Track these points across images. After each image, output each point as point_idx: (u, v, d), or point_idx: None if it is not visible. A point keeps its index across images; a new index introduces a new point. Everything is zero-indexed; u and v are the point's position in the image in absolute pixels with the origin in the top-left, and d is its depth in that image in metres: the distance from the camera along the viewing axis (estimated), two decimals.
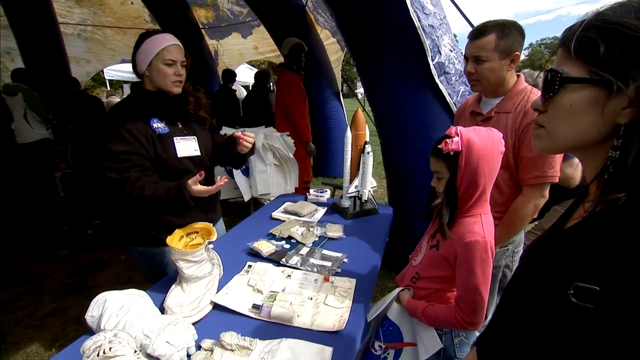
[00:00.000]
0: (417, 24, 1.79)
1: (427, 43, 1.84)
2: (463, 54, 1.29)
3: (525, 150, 1.20)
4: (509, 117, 1.23)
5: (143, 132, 1.23)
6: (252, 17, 5.28)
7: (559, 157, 1.20)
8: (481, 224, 0.95)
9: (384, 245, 1.61)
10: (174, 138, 1.31)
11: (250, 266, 1.31)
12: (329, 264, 1.36)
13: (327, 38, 5.04)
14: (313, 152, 3.09)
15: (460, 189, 0.94)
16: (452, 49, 1.99)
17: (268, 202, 2.25)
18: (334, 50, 5.19)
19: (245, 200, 2.54)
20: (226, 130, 2.54)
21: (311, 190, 2.17)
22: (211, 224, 1.22)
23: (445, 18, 1.99)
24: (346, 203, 1.91)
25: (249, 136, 1.39)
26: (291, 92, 2.88)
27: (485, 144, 0.90)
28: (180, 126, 1.37)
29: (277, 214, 1.85)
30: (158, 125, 1.28)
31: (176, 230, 1.15)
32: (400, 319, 1.12)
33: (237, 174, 2.41)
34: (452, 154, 0.90)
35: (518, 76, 1.27)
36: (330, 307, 1.10)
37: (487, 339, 0.64)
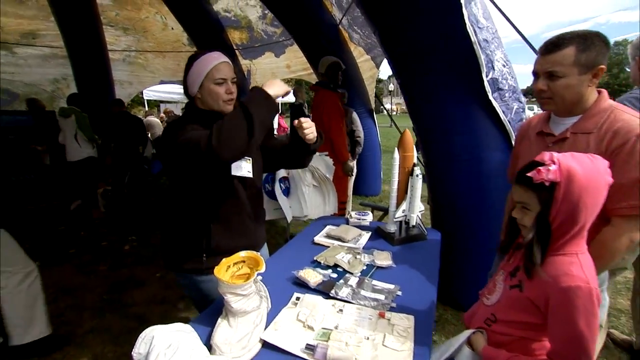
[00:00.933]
0: (473, 38, 1.70)
1: (482, 58, 1.73)
2: (532, 69, 1.17)
3: (616, 176, 1.04)
4: (591, 138, 1.08)
5: None
6: (286, 36, 5.41)
7: None
8: (580, 265, 0.81)
9: (438, 275, 1.47)
10: None
11: (298, 298, 1.22)
12: (381, 297, 1.24)
13: (361, 55, 5.03)
14: (351, 172, 3.01)
15: (554, 224, 0.81)
16: (505, 64, 1.86)
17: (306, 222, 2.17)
18: (368, 67, 5.17)
19: (289, 220, 2.48)
20: None
21: (352, 213, 2.08)
22: (258, 253, 1.15)
23: (497, 32, 1.88)
24: (392, 228, 1.80)
25: (304, 122, 1.33)
26: (328, 111, 2.84)
27: (589, 174, 0.77)
28: None
29: (319, 239, 1.77)
30: None
31: (223, 260, 1.09)
32: None
33: (279, 194, 2.37)
34: (547, 184, 0.78)
35: (599, 92, 1.13)
36: (390, 349, 0.98)
37: None
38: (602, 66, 1.06)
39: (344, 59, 3.79)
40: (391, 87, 37.44)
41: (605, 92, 1.13)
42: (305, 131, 1.33)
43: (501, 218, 1.63)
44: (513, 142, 1.96)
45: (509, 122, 1.87)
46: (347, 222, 2.03)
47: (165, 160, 1.30)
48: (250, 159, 1.35)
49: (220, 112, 1.28)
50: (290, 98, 7.41)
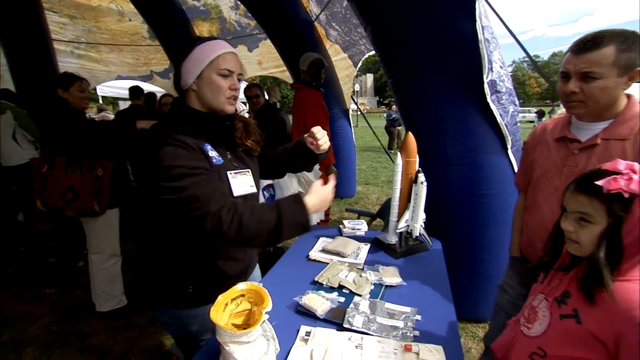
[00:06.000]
0: (480, 37, 1.61)
1: (485, 58, 1.65)
2: (560, 69, 1.08)
3: None
4: (627, 145, 1.01)
5: (206, 156, 0.99)
6: (260, 29, 5.13)
7: None
8: None
9: (450, 290, 1.36)
10: (228, 172, 1.06)
11: (308, 333, 1.03)
12: (400, 323, 1.10)
13: (337, 53, 4.90)
14: (335, 176, 2.85)
15: (624, 242, 0.71)
16: (502, 66, 1.81)
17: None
18: (345, 65, 5.04)
19: None
20: None
21: (345, 222, 1.92)
22: (260, 284, 0.95)
23: (494, 32, 1.81)
24: (393, 239, 1.66)
25: (317, 132, 1.20)
26: (312, 110, 2.66)
27: None
28: (229, 157, 1.12)
29: (315, 254, 1.59)
30: (212, 154, 1.03)
31: (219, 298, 0.88)
32: None
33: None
34: (627, 196, 0.68)
35: (628, 96, 1.07)
36: None
37: None
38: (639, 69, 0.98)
39: None
40: (357, 87, 38.02)
41: (634, 96, 1.07)
42: (320, 142, 1.19)
43: (504, 226, 1.56)
44: (508, 146, 1.92)
45: (506, 125, 1.82)
46: (340, 233, 1.87)
47: (145, 185, 1.01)
48: (250, 170, 1.14)
49: (216, 113, 1.07)
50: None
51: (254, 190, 1.14)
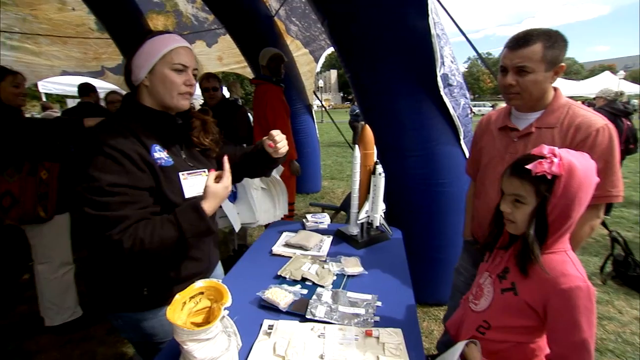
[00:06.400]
0: (433, 31, 1.68)
1: (438, 52, 1.73)
2: (499, 63, 1.16)
3: None
4: (555, 133, 1.12)
5: (146, 162, 0.93)
6: (219, 24, 4.94)
7: (620, 174, 1.10)
8: (573, 264, 0.80)
9: (410, 276, 1.42)
10: (180, 173, 1.02)
11: (271, 327, 1.04)
12: (362, 310, 1.13)
13: (298, 49, 4.88)
14: (298, 171, 2.86)
15: (549, 219, 0.78)
16: (453, 61, 1.91)
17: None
18: (306, 61, 5.03)
19: (237, 229, 2.22)
20: None
21: (308, 216, 1.94)
22: (219, 281, 0.94)
23: (444, 28, 1.90)
24: (354, 230, 1.70)
25: (276, 135, 1.19)
26: (272, 106, 2.64)
27: (586, 170, 0.76)
28: (183, 157, 1.08)
29: (278, 249, 1.59)
30: (161, 155, 0.98)
31: (176, 297, 0.86)
32: None
33: (225, 201, 2.08)
34: (549, 177, 0.75)
35: (555, 89, 1.18)
36: None
37: None
38: (563, 64, 1.09)
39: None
40: (321, 83, 38.08)
41: (560, 89, 1.18)
42: (279, 145, 1.19)
43: (459, 213, 1.66)
44: (461, 137, 2.03)
45: (458, 117, 1.92)
46: (303, 227, 1.89)
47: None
48: (207, 170, 1.11)
49: (170, 110, 1.03)
50: (225, 93, 6.92)
51: None
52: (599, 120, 1.07)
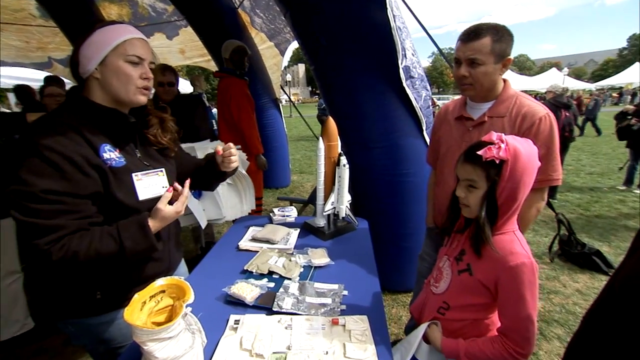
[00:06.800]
0: (392, 23, 1.71)
1: (399, 44, 1.76)
2: (453, 56, 1.21)
3: None
4: (505, 121, 1.19)
5: (92, 164, 0.86)
6: (179, 16, 4.69)
7: (559, 159, 1.19)
8: (519, 243, 0.86)
9: (375, 264, 1.46)
10: (133, 174, 0.96)
11: (237, 321, 1.03)
12: (328, 300, 1.15)
13: (263, 42, 4.77)
14: (265, 166, 2.82)
15: (499, 201, 0.84)
16: (414, 53, 1.96)
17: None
18: (272, 54, 4.94)
19: (203, 226, 2.15)
20: None
21: (275, 210, 1.93)
22: (182, 278, 0.91)
23: (405, 22, 1.95)
24: (321, 222, 1.72)
25: (230, 147, 1.19)
26: (237, 99, 2.58)
27: (529, 155, 0.81)
28: (138, 155, 1.02)
29: (245, 243, 1.57)
30: (111, 154, 0.92)
31: (134, 297, 0.82)
32: (431, 358, 0.97)
33: (190, 198, 2.01)
34: (497, 162, 0.79)
35: (504, 81, 1.25)
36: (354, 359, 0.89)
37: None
38: (510, 57, 1.16)
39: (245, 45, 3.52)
40: (289, 77, 37.73)
41: (509, 81, 1.25)
42: (232, 158, 1.19)
43: (424, 202, 1.72)
44: (424, 128, 2.10)
45: (420, 109, 1.98)
46: (270, 221, 1.87)
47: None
48: (163, 170, 1.06)
49: (125, 105, 0.96)
50: (188, 88, 6.64)
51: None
52: (541, 110, 1.16)
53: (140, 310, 0.83)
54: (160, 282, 0.89)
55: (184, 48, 5.77)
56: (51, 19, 4.48)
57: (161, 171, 1.05)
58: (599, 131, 10.87)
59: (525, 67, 70.15)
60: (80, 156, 0.84)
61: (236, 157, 1.22)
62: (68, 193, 0.82)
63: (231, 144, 1.21)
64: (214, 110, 5.73)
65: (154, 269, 1.06)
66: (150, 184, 1.00)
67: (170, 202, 0.98)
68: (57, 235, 0.81)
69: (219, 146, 1.21)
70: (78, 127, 0.87)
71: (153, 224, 0.94)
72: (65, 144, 0.83)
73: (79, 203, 0.85)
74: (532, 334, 0.82)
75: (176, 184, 1.02)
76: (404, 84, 1.88)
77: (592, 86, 31.83)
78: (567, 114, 4.89)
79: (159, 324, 0.86)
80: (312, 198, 3.12)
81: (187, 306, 0.85)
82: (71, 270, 0.91)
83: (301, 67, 77.00)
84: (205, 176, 1.30)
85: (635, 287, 0.52)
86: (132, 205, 0.94)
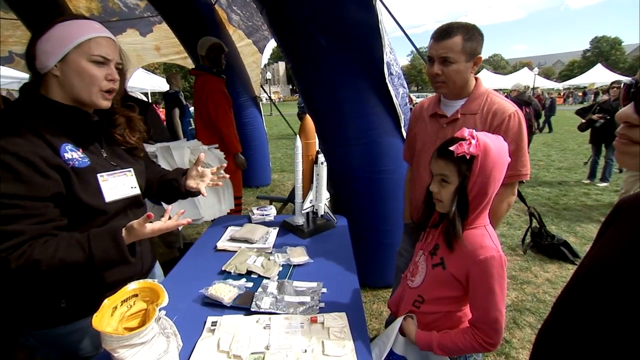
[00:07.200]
0: (380, 17, 1.71)
1: (385, 38, 1.77)
2: (427, 54, 1.24)
3: None
4: (477, 118, 1.23)
5: (52, 165, 0.82)
6: (152, 11, 4.52)
7: (527, 155, 1.24)
8: (489, 237, 0.89)
9: (354, 261, 1.48)
10: (98, 175, 0.92)
11: (214, 323, 1.01)
12: (307, 298, 1.15)
13: (241, 39, 4.70)
14: (243, 165, 2.78)
15: (470, 196, 0.86)
16: (391, 51, 1.98)
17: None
18: (250, 52, 4.87)
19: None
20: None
21: (254, 209, 1.91)
22: (155, 281, 0.89)
23: (383, 21, 1.97)
24: (300, 220, 1.72)
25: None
26: (214, 97, 2.53)
27: (499, 150, 0.84)
28: (104, 155, 0.98)
29: (223, 244, 1.55)
30: (73, 154, 0.87)
31: (104, 302, 0.79)
32: (407, 350, 1.00)
33: None
34: (468, 157, 0.82)
35: (476, 79, 1.29)
36: (332, 356, 0.90)
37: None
38: (481, 56, 1.19)
39: (223, 42, 3.46)
40: (269, 75, 37.39)
41: (480, 78, 1.29)
42: (206, 179, 1.19)
43: (401, 198, 1.75)
44: (402, 125, 2.13)
45: (398, 105, 2.01)
46: (249, 220, 1.86)
47: None
48: (132, 170, 1.03)
49: (85, 107, 0.91)
50: (164, 86, 6.45)
51: (137, 192, 1.03)
52: (510, 107, 1.20)
53: (110, 316, 0.80)
54: (133, 286, 0.87)
55: (159, 45, 5.58)
56: (11, 10, 4.22)
57: (129, 171, 1.02)
58: (551, 129, 11.82)
59: (500, 66, 72.60)
60: (38, 157, 0.79)
61: (206, 182, 1.21)
62: (25, 196, 0.78)
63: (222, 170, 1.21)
64: (192, 109, 5.61)
65: (125, 272, 1.02)
66: (117, 184, 0.96)
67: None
68: (16, 242, 0.76)
69: (202, 154, 1.17)
70: (34, 126, 0.83)
71: (127, 237, 0.89)
72: (20, 144, 0.78)
73: (39, 206, 0.80)
74: (501, 325, 0.85)
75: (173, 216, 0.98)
76: (387, 80, 1.90)
77: (560, 85, 33.45)
78: (528, 110, 5.56)
79: (132, 329, 0.83)
80: (292, 196, 3.12)
81: (161, 309, 0.83)
82: (32, 278, 0.86)
83: (281, 65, 76.45)
84: (167, 191, 1.24)
85: (596, 276, 0.55)
86: (98, 207, 0.90)
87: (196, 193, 1.23)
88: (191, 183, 1.20)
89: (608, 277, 0.51)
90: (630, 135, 0.46)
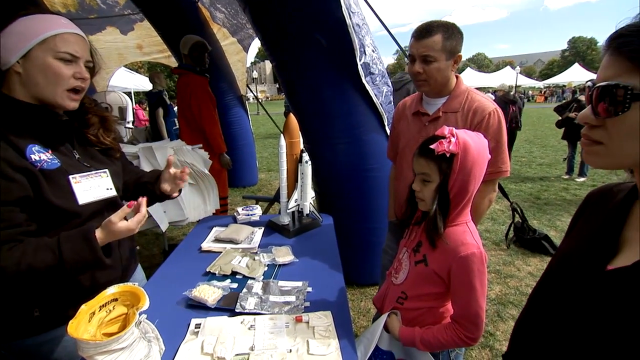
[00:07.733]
0: (348, 21, 1.72)
1: (356, 42, 1.78)
2: (408, 53, 1.25)
3: None
4: (458, 116, 1.25)
5: (17, 167, 0.78)
6: (132, 9, 4.40)
7: (507, 152, 1.27)
8: (470, 233, 0.91)
9: (340, 260, 1.48)
10: (70, 177, 0.88)
11: (198, 325, 1.00)
12: (292, 298, 1.15)
13: (226, 37, 4.63)
14: (229, 165, 2.75)
15: (451, 194, 0.87)
16: (374, 50, 1.99)
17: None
18: (235, 50, 4.81)
19: (163, 230, 2.06)
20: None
21: (239, 209, 1.89)
22: (135, 284, 0.87)
23: (365, 19, 1.98)
24: (285, 220, 1.71)
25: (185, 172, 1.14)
26: (197, 97, 2.49)
27: (479, 148, 0.85)
28: (77, 157, 0.94)
29: (207, 244, 1.53)
30: (41, 156, 0.83)
31: (81, 308, 0.77)
32: (391, 345, 1.01)
33: None
34: (448, 155, 0.83)
35: (457, 77, 1.30)
36: (317, 355, 0.90)
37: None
38: (461, 54, 1.21)
39: (207, 41, 3.41)
40: (255, 74, 37.08)
41: (461, 77, 1.31)
42: (181, 183, 1.15)
43: (386, 196, 1.76)
44: (385, 123, 2.15)
45: (381, 104, 2.03)
46: (235, 220, 1.84)
47: None
48: (107, 171, 1.00)
49: (51, 107, 0.87)
50: (147, 86, 6.32)
51: (113, 193, 0.99)
52: (490, 105, 1.23)
53: (88, 322, 0.78)
54: (112, 290, 0.84)
55: (141, 43, 5.45)
56: None
57: (104, 172, 0.98)
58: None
59: (484, 64, 74.01)
60: (1, 159, 0.76)
61: (179, 186, 1.18)
62: None
63: (187, 169, 1.16)
64: (176, 109, 5.52)
65: (104, 277, 0.98)
66: (91, 186, 0.93)
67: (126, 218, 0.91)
68: None
69: (171, 156, 1.14)
70: None
71: (101, 236, 0.86)
72: None
73: (3, 211, 0.76)
74: (481, 320, 0.87)
75: (142, 199, 0.94)
76: (364, 81, 1.91)
77: (541, 84, 34.36)
78: (514, 108, 5.83)
79: (111, 335, 0.81)
80: (278, 196, 3.11)
81: (141, 313, 0.81)
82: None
83: (268, 64, 75.95)
84: (143, 194, 1.22)
85: (566, 265, 0.57)
86: (71, 210, 0.87)
87: (171, 196, 1.21)
88: (165, 186, 1.17)
89: (577, 266, 0.53)
90: (591, 136, 0.47)
